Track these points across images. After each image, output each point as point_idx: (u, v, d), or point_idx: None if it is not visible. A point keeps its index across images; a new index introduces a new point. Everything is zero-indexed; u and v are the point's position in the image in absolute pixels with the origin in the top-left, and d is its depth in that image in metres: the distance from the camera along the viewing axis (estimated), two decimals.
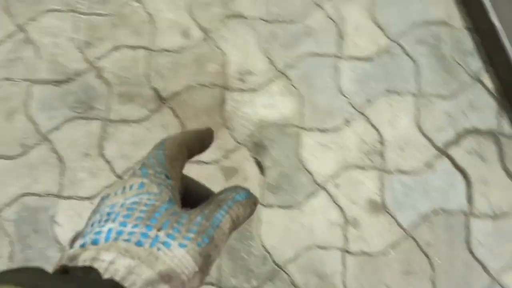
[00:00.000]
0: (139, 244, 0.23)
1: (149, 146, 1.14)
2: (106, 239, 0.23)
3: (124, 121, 1.36)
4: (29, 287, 0.19)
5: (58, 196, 1.29)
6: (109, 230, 0.24)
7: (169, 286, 0.22)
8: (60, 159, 1.32)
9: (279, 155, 1.33)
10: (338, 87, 1.39)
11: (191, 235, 0.24)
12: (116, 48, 1.42)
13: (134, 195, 0.26)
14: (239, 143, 1.34)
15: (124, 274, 0.21)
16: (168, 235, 0.23)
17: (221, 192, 0.28)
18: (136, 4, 1.45)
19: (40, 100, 1.37)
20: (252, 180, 1.32)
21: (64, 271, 0.22)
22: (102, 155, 1.33)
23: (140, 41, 1.42)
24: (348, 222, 1.29)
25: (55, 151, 1.33)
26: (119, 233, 0.23)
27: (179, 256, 0.23)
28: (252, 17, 1.44)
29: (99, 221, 0.25)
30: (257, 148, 1.34)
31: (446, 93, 1.39)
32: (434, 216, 1.31)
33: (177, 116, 1.36)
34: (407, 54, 1.42)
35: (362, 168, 1.33)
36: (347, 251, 1.27)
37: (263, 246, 1.27)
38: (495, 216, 1.31)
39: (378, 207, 1.31)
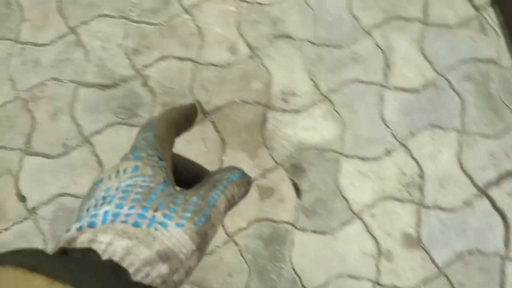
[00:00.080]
0: (136, 225, 0.24)
1: (189, 156, 1.20)
2: (103, 222, 0.24)
3: None
4: (29, 268, 0.20)
5: None
6: (106, 213, 0.24)
7: (167, 265, 0.23)
8: (100, 163, 1.38)
9: (317, 179, 1.37)
10: (381, 116, 1.43)
11: (188, 214, 0.25)
12: (164, 57, 1.48)
13: (128, 178, 0.26)
14: (277, 163, 1.39)
15: (122, 254, 0.22)
16: (165, 216, 0.24)
17: (215, 173, 0.29)
18: (186, 16, 1.52)
19: (85, 102, 1.44)
20: (287, 202, 1.36)
21: (62, 253, 0.23)
22: None
23: (188, 53, 1.49)
24: (381, 253, 1.32)
25: (95, 154, 1.39)
26: (116, 215, 0.24)
27: (176, 235, 0.24)
28: (300, 39, 1.50)
29: (95, 206, 0.26)
30: (295, 170, 1.38)
31: (490, 132, 1.43)
32: (469, 256, 1.33)
33: (217, 130, 1.42)
34: (454, 90, 1.45)
35: (399, 200, 1.37)
36: (378, 283, 1.30)
37: (294, 270, 1.30)
38: None
39: (413, 241, 1.34)
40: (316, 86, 1.46)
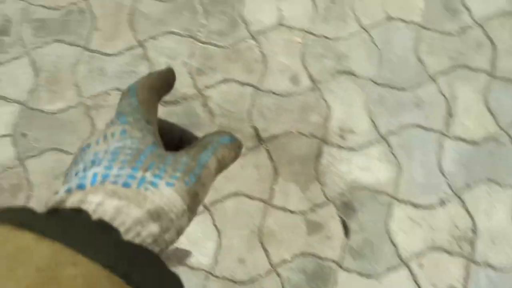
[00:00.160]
0: (126, 185, 0.24)
1: (240, 183, 1.27)
2: (92, 183, 0.25)
3: None
4: (17, 224, 0.20)
5: None
6: (95, 175, 0.25)
7: (158, 224, 0.24)
8: None
9: (367, 220, 1.41)
10: (438, 165, 1.46)
11: (178, 174, 0.26)
12: (226, 80, 1.55)
13: (117, 141, 0.27)
14: (328, 199, 1.43)
15: (113, 214, 0.23)
16: (155, 175, 0.25)
17: (205, 136, 0.30)
18: (252, 42, 1.59)
19: None
20: (335, 240, 1.39)
21: (53, 212, 0.23)
22: None
23: (250, 78, 1.55)
24: None
25: None
26: (105, 176, 0.25)
27: (167, 195, 0.25)
28: (363, 77, 1.55)
29: (84, 169, 0.26)
30: (346, 209, 1.42)
31: None
32: None
33: (271, 159, 1.47)
34: None
35: (449, 252, 1.38)
36: None
37: None
38: None
39: None
40: (375, 126, 1.50)
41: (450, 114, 1.52)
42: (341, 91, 1.55)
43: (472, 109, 1.52)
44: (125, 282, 0.21)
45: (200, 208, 1.43)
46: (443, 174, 1.46)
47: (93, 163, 0.26)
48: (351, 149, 1.49)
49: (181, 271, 1.38)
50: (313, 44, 1.60)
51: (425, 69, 1.57)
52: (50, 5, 1.63)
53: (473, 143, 1.49)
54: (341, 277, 1.37)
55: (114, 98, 1.53)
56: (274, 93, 1.55)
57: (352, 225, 1.41)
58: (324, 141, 1.49)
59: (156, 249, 0.24)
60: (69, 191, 0.25)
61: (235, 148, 0.30)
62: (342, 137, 1.50)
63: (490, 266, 1.38)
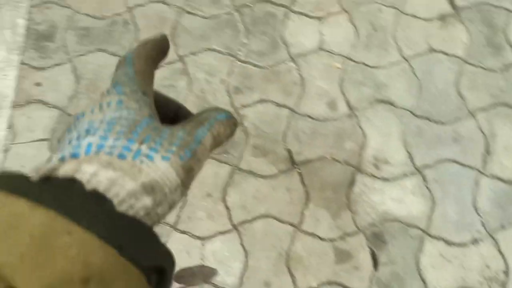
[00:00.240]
0: (121, 157, 0.25)
1: (270, 205, 1.32)
2: (87, 152, 0.25)
3: (252, 173, 1.52)
4: (11, 191, 0.21)
5: (173, 227, 1.46)
6: (89, 144, 0.25)
7: (152, 198, 0.25)
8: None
9: (397, 253, 1.43)
10: (473, 203, 1.48)
11: (174, 148, 0.26)
12: (263, 101, 1.60)
13: (113, 111, 0.27)
14: (358, 228, 1.46)
15: (107, 185, 0.23)
16: (151, 149, 0.26)
17: (201, 112, 0.30)
18: (292, 64, 1.65)
19: None
20: (363, 271, 1.42)
21: (45, 180, 0.24)
22: (224, 200, 1.49)
23: (287, 101, 1.60)
24: None
25: None
26: (100, 146, 0.25)
27: (162, 168, 0.25)
28: (401, 107, 1.58)
29: (77, 138, 0.26)
30: (376, 240, 1.45)
31: None
32: None
33: (303, 183, 1.51)
34: None
35: None
36: None
37: None
38: None
39: None
40: (411, 158, 1.53)
41: (488, 151, 1.54)
42: (378, 120, 1.59)
43: (511, 148, 1.54)
44: (120, 253, 0.21)
45: (229, 226, 1.47)
46: (477, 213, 1.48)
47: (87, 132, 0.26)
48: (385, 179, 1.52)
49: None
50: (352, 71, 1.65)
51: (465, 104, 1.60)
52: (95, 14, 1.71)
53: (510, 183, 1.51)
54: None
55: None
56: (310, 117, 1.59)
57: (382, 257, 1.44)
58: (358, 169, 1.53)
59: (148, 222, 0.25)
60: (62, 160, 0.25)
61: (231, 125, 0.31)
62: (376, 166, 1.53)
63: None
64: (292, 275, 1.42)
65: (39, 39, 1.67)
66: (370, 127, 1.58)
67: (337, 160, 1.54)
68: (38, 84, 1.61)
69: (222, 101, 1.61)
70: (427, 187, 1.50)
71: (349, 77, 1.64)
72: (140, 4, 1.73)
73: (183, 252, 1.45)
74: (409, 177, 1.52)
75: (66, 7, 1.71)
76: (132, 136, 0.26)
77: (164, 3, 1.73)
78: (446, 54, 1.66)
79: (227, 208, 1.49)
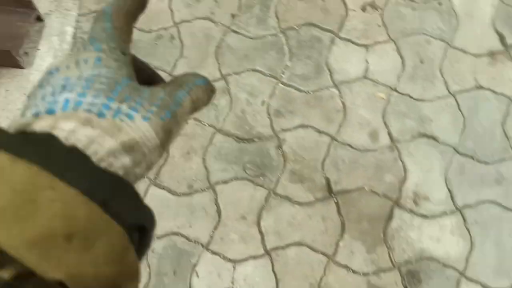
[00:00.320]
0: (101, 115, 0.25)
1: (305, 233, 1.34)
2: (64, 109, 0.25)
3: (288, 198, 1.54)
4: None
5: (206, 247, 1.49)
6: (66, 100, 0.25)
7: (131, 157, 0.25)
8: (219, 213, 1.53)
9: None
10: None
11: (154, 109, 0.26)
12: (303, 126, 1.63)
13: (91, 69, 0.27)
14: (393, 265, 1.47)
15: (86, 143, 0.23)
16: (131, 108, 0.26)
17: (179, 76, 0.30)
18: (335, 90, 1.67)
19: (219, 149, 1.60)
20: None
21: (21, 134, 0.23)
22: (258, 224, 1.52)
23: (328, 128, 1.63)
24: None
25: (216, 203, 1.54)
26: (78, 103, 0.25)
27: (142, 128, 0.25)
28: (445, 144, 1.59)
29: (52, 93, 0.26)
30: (411, 278, 1.45)
31: None
32: None
33: (340, 213, 1.53)
34: None
35: None
36: None
37: None
38: None
39: None
40: (452, 196, 1.54)
41: None
42: (420, 154, 1.60)
43: None
44: (103, 210, 0.22)
45: (261, 251, 1.49)
46: None
47: (63, 88, 0.26)
48: (423, 216, 1.52)
49: None
50: (396, 102, 1.66)
51: (510, 145, 1.60)
52: (142, 27, 1.76)
53: None
54: None
55: (191, 128, 1.63)
56: (350, 146, 1.61)
57: None
58: (397, 203, 1.54)
59: None
60: (37, 115, 0.25)
61: (209, 92, 0.31)
62: (415, 202, 1.54)
63: None
64: None
65: None
66: (411, 161, 1.59)
67: (375, 193, 1.56)
68: None
69: (262, 123, 1.64)
70: (466, 228, 1.51)
71: (393, 108, 1.66)
72: (187, 20, 1.78)
73: (214, 274, 1.48)
74: (449, 216, 1.52)
75: None
76: (112, 94, 0.26)
77: (211, 20, 1.78)
78: (494, 92, 1.66)
79: (261, 232, 1.52)
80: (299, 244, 1.50)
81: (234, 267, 1.48)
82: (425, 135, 1.62)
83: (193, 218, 1.54)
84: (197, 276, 1.47)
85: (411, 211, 1.53)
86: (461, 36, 1.75)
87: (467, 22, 1.77)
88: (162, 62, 1.71)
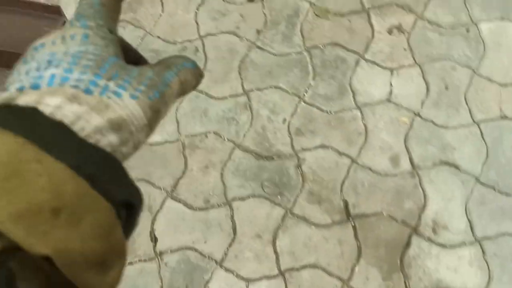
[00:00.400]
0: (88, 91, 0.25)
1: (320, 255, 1.36)
2: (49, 84, 0.25)
3: (305, 219, 1.56)
4: None
5: (219, 264, 1.51)
6: (52, 76, 0.25)
7: (118, 135, 0.25)
8: (234, 230, 1.55)
9: None
10: None
11: (143, 88, 0.26)
12: (324, 146, 1.65)
13: (78, 45, 0.27)
14: None
15: (72, 119, 0.23)
16: (119, 86, 0.26)
17: (167, 58, 0.31)
18: (357, 112, 1.69)
19: (238, 165, 1.63)
20: None
21: (5, 107, 0.23)
22: (273, 244, 1.53)
23: (348, 150, 1.64)
24: None
25: (232, 219, 1.56)
26: (65, 79, 0.25)
27: (130, 106, 0.25)
28: (467, 173, 1.61)
29: (37, 69, 0.26)
30: None
31: None
32: None
33: (356, 237, 1.54)
34: None
35: None
36: None
37: None
38: None
39: None
40: (471, 227, 1.55)
41: None
42: (441, 182, 1.61)
43: None
44: (90, 185, 0.22)
45: (275, 271, 1.51)
46: None
47: (49, 63, 0.26)
48: (442, 246, 1.53)
49: None
50: (419, 127, 1.68)
51: None
52: (167, 38, 1.80)
53: None
54: None
55: (211, 142, 1.66)
56: (371, 169, 1.63)
57: None
58: (415, 231, 1.55)
59: None
60: (21, 90, 0.24)
61: (197, 76, 0.31)
62: (434, 231, 1.55)
63: None
64: None
65: None
66: (431, 189, 1.60)
67: (394, 218, 1.57)
68: None
69: (282, 141, 1.66)
70: (485, 260, 1.51)
71: (415, 134, 1.67)
72: (212, 34, 1.81)
73: None
74: (468, 246, 1.53)
75: (140, 27, 1.81)
76: (100, 71, 0.26)
77: (236, 35, 1.81)
78: None
79: (276, 252, 1.53)
80: (314, 266, 1.51)
81: (247, 286, 1.50)
82: (447, 163, 1.63)
83: (209, 234, 1.56)
84: None
85: (429, 240, 1.54)
86: (487, 65, 1.77)
87: (494, 50, 1.79)
88: None
